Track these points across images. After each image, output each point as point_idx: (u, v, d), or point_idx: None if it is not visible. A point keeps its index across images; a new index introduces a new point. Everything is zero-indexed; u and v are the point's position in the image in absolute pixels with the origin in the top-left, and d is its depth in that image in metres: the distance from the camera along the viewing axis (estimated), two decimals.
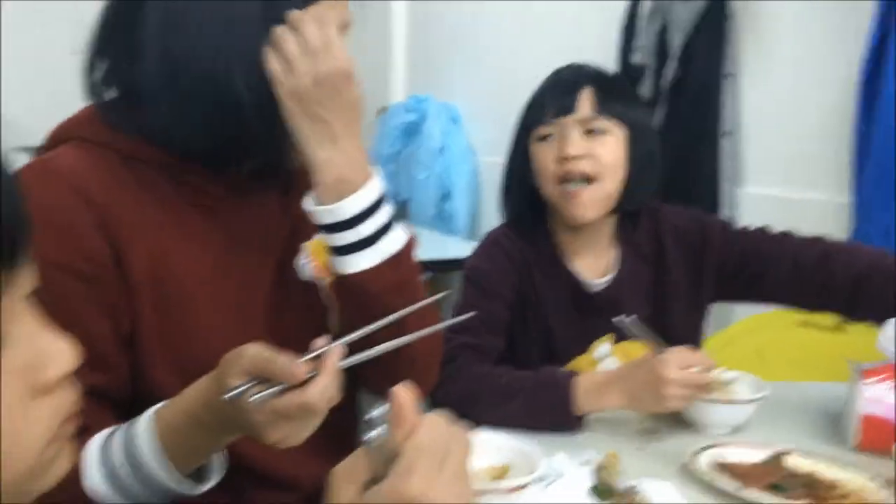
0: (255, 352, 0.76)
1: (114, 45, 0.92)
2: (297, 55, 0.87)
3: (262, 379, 0.75)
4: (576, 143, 1.33)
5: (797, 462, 1.10)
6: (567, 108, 1.35)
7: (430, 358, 1.06)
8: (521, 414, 1.18)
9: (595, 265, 1.44)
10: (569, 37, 2.81)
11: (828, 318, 1.59)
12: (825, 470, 1.08)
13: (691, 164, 2.32)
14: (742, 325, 2.02)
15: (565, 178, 1.34)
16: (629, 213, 1.44)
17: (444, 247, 2.99)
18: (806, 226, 1.46)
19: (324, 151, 0.91)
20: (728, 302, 1.59)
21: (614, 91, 1.38)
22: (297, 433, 0.79)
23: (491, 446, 1.00)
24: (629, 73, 2.45)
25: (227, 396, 0.74)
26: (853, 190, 2.00)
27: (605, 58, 2.53)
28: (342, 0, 0.94)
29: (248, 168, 0.96)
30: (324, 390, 0.75)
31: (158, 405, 0.84)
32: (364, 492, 0.48)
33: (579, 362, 1.38)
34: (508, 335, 1.39)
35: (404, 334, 0.83)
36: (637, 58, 2.47)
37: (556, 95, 1.37)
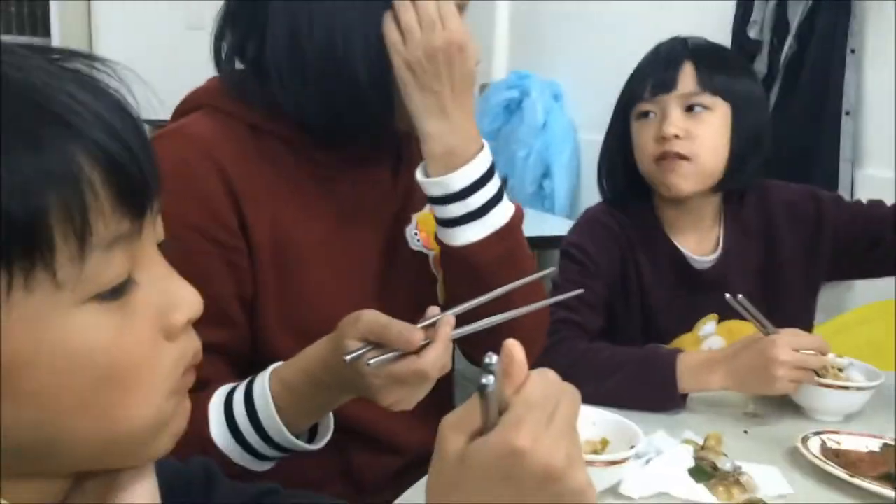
0: (372, 317, 0.78)
1: (242, 18, 0.96)
2: (413, 26, 0.89)
3: (377, 343, 0.77)
4: (675, 122, 1.30)
5: None
6: (667, 85, 1.31)
7: (535, 333, 1.06)
8: (622, 390, 1.17)
9: (700, 242, 1.40)
10: (680, 10, 2.73)
11: None
12: None
13: (808, 144, 2.23)
14: (855, 314, 1.94)
15: (663, 157, 1.31)
16: (735, 190, 1.39)
17: (543, 225, 2.97)
18: None
19: (434, 123, 0.92)
20: (842, 279, 1.52)
21: (718, 64, 1.33)
22: (409, 398, 0.81)
23: (587, 420, 1.00)
24: (744, 48, 2.36)
25: (347, 358, 0.76)
26: None
27: (720, 33, 2.45)
28: None
29: (364, 141, 0.98)
30: (437, 359, 0.77)
31: (276, 365, 0.88)
32: (471, 442, 0.48)
33: (683, 341, 1.36)
34: (608, 313, 1.38)
35: (512, 308, 0.84)
36: (753, 33, 2.38)
37: (656, 71, 1.34)
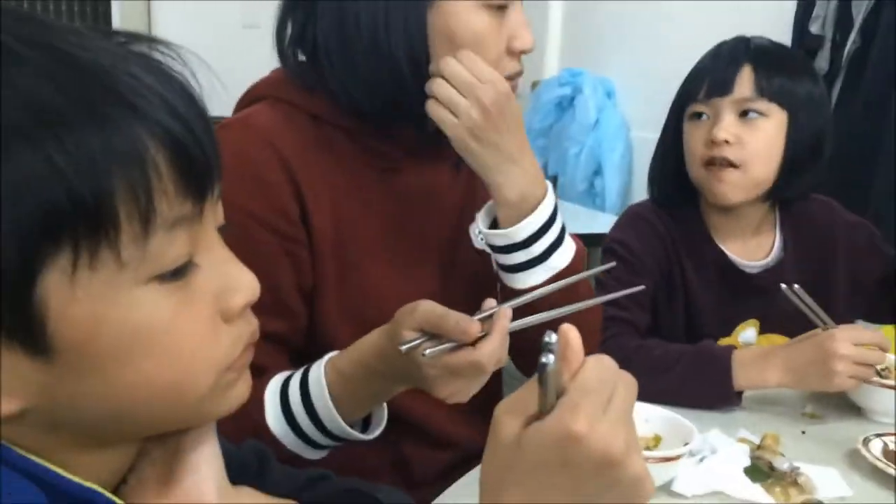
0: (429, 307, 0.78)
1: (300, 9, 0.97)
2: (454, 97, 0.89)
3: (434, 334, 0.77)
4: (727, 127, 1.27)
5: None
6: (723, 88, 1.28)
7: (588, 331, 1.05)
8: (676, 387, 1.15)
9: (748, 248, 1.37)
10: (739, 5, 2.67)
11: None
12: None
13: (870, 142, 2.16)
14: None
15: (711, 162, 1.28)
16: (795, 200, 1.37)
17: (593, 223, 2.94)
18: None
19: (502, 174, 0.93)
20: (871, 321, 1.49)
21: (779, 67, 1.29)
22: (464, 390, 0.81)
23: (640, 417, 0.98)
24: (805, 44, 2.31)
25: (403, 348, 0.76)
26: None
27: (780, 29, 2.40)
28: None
29: (418, 130, 0.98)
30: (494, 351, 0.77)
31: (332, 354, 0.88)
32: (527, 427, 0.48)
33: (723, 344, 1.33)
34: (653, 312, 1.36)
35: (572, 302, 0.84)
36: (815, 28, 2.32)
37: (713, 72, 1.30)
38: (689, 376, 1.16)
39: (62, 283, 0.42)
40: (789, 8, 2.46)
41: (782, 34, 2.43)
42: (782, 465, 0.96)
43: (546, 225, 0.95)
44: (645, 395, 1.04)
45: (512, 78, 0.96)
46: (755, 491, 0.93)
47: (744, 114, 1.27)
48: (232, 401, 0.52)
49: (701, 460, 0.98)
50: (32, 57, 0.42)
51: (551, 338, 0.46)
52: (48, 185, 0.40)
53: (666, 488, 0.92)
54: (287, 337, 0.94)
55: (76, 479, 0.46)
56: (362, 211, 0.97)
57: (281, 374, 0.90)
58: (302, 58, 0.98)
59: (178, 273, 0.47)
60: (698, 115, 1.32)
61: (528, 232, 0.94)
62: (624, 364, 1.25)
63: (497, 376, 1.10)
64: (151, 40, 0.48)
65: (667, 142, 1.40)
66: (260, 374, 0.89)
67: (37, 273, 0.41)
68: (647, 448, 0.95)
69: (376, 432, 0.89)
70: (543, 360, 0.46)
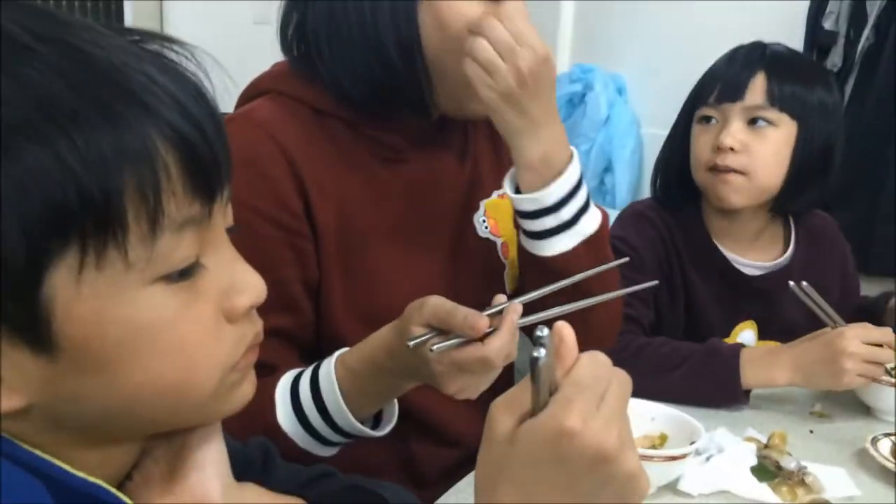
0: (438, 303, 0.77)
1: (301, 3, 0.96)
2: (494, 59, 0.88)
3: (443, 330, 0.77)
4: (735, 133, 1.25)
5: None
6: (734, 94, 1.26)
7: (606, 325, 1.05)
8: (683, 385, 1.15)
9: (748, 252, 1.36)
10: (752, 1, 2.65)
11: None
12: None
13: (884, 139, 2.15)
14: None
15: (716, 168, 1.27)
16: (800, 214, 1.38)
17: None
18: None
19: (529, 139, 0.92)
20: None
21: (793, 79, 1.27)
22: (473, 386, 0.80)
23: (647, 415, 0.98)
24: (819, 40, 2.29)
25: (410, 343, 0.76)
26: None
27: (793, 25, 2.38)
28: None
29: (420, 118, 0.98)
30: (502, 346, 0.76)
31: (342, 350, 0.88)
32: (521, 424, 0.48)
33: None
34: (654, 310, 1.35)
35: (584, 298, 0.83)
36: (829, 24, 2.30)
37: (726, 77, 1.29)
38: (697, 374, 1.16)
39: (69, 280, 0.42)
40: (802, 4, 2.44)
41: (795, 30, 2.42)
42: (789, 464, 0.96)
43: (574, 189, 0.94)
44: (652, 393, 1.06)
45: None
46: (762, 490, 0.93)
47: (753, 121, 1.26)
48: (236, 401, 0.52)
49: (707, 459, 0.98)
50: (45, 52, 0.42)
51: (543, 332, 0.46)
52: (57, 182, 0.40)
53: (672, 487, 0.92)
54: (294, 332, 0.94)
55: (81, 474, 0.46)
56: (367, 202, 0.97)
57: (291, 372, 0.90)
58: (301, 51, 0.98)
59: (185, 274, 0.47)
60: (707, 119, 1.30)
61: (558, 196, 0.93)
62: (631, 361, 1.25)
63: (508, 373, 1.09)
64: (165, 39, 0.48)
65: (675, 142, 1.39)
66: (270, 372, 0.89)
67: (44, 270, 0.42)
68: (654, 446, 0.95)
69: (387, 428, 0.89)
70: (535, 354, 0.46)
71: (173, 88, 0.45)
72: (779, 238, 1.39)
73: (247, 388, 0.53)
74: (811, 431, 1.11)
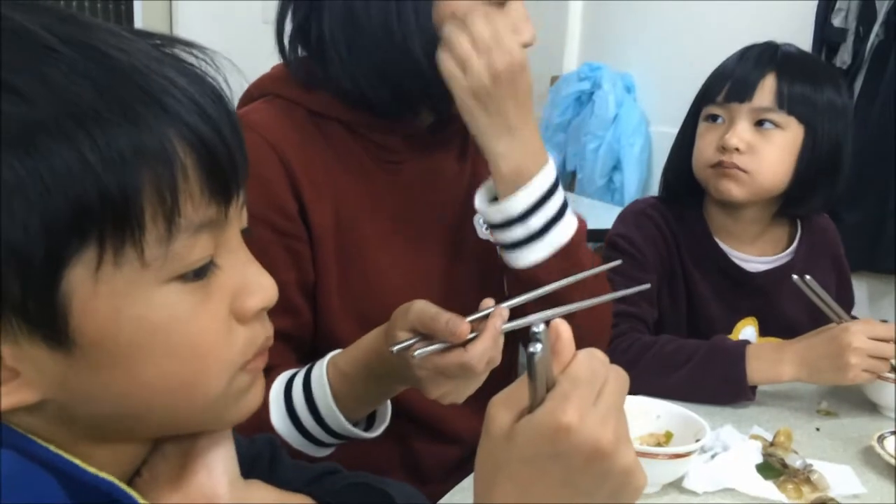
0: (422, 308, 0.77)
1: (302, 5, 0.97)
2: (469, 54, 0.88)
3: (427, 335, 0.77)
4: (740, 133, 1.25)
5: None
6: (743, 94, 1.26)
7: (596, 329, 1.05)
8: (688, 383, 1.15)
9: (749, 249, 1.36)
10: None
11: None
12: None
13: (891, 138, 2.14)
14: None
15: (719, 165, 1.27)
16: (805, 218, 1.38)
17: (612, 218, 2.91)
18: None
19: (501, 143, 0.91)
20: None
21: (802, 82, 1.25)
22: (458, 391, 0.81)
23: (652, 413, 0.99)
24: (828, 37, 2.29)
25: (393, 349, 0.76)
26: None
27: (802, 22, 2.38)
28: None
29: (425, 119, 0.98)
30: (484, 352, 0.75)
31: (334, 353, 0.88)
32: (519, 420, 0.48)
33: None
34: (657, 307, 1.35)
35: (567, 303, 0.83)
36: (838, 21, 2.30)
37: (735, 76, 1.28)
38: (703, 371, 1.16)
39: (87, 278, 0.43)
40: (811, 2, 2.43)
41: (804, 28, 2.41)
42: (795, 462, 0.96)
43: (543, 198, 0.93)
44: (657, 391, 1.07)
45: None
46: (767, 488, 0.93)
47: (759, 123, 1.25)
48: (243, 408, 0.53)
49: (713, 457, 0.98)
50: (69, 55, 0.43)
51: (539, 328, 0.46)
52: (79, 180, 0.41)
53: (677, 485, 0.92)
54: (293, 334, 0.95)
55: (92, 469, 0.47)
56: (365, 204, 0.97)
57: (285, 374, 0.91)
58: (303, 53, 0.98)
59: (199, 274, 0.48)
60: (714, 118, 1.30)
61: (524, 205, 0.92)
62: (636, 360, 1.25)
63: (510, 372, 1.10)
64: (185, 43, 0.49)
65: (683, 139, 1.38)
66: (267, 372, 0.90)
67: (63, 267, 0.42)
68: (659, 444, 0.95)
69: (379, 430, 0.89)
70: (531, 349, 0.46)
71: (193, 91, 0.46)
72: (782, 238, 1.39)
73: (254, 396, 0.53)
74: (817, 429, 1.11)
